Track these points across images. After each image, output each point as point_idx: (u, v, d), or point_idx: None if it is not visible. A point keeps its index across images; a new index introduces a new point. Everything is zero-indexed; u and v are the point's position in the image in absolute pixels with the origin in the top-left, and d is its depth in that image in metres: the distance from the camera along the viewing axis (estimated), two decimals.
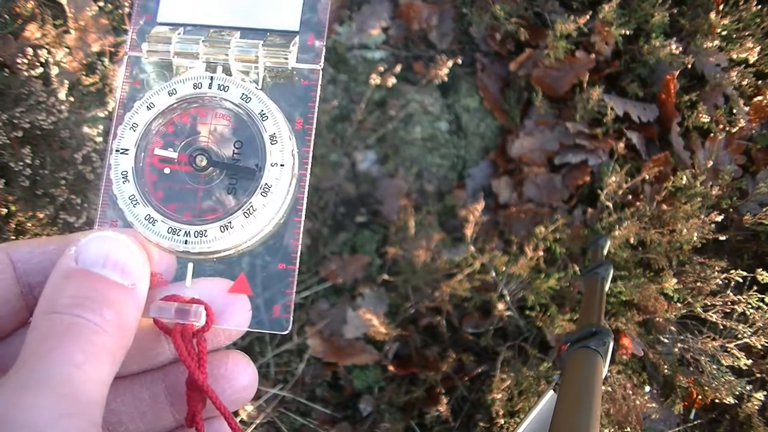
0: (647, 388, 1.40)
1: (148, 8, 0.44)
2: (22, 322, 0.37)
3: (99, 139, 1.37)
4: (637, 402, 1.29)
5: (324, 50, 0.42)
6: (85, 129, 1.30)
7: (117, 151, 0.40)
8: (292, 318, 0.40)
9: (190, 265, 0.39)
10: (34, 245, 0.37)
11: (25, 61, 1.25)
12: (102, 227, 0.40)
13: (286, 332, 0.40)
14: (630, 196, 1.56)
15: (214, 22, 0.43)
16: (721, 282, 1.34)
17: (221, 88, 0.41)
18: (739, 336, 1.30)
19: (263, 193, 0.39)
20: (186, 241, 0.38)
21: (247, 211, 0.39)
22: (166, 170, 0.40)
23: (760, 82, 1.62)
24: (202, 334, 0.37)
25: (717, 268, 1.36)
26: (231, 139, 0.41)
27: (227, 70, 0.41)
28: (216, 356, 0.38)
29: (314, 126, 0.42)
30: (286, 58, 0.41)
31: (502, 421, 1.37)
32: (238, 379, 0.38)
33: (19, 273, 0.36)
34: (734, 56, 1.61)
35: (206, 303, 0.37)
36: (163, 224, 0.39)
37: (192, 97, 0.41)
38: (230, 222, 0.39)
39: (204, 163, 0.40)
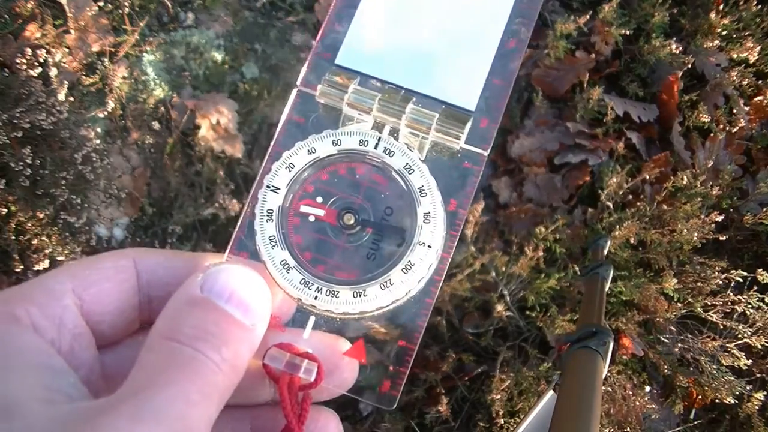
0: (647, 388, 1.40)
1: (329, 47, 0.42)
2: (131, 332, 0.37)
3: (97, 141, 1.37)
4: (637, 402, 1.29)
5: (494, 137, 0.40)
6: (83, 131, 1.30)
7: (268, 187, 0.39)
8: (399, 396, 0.39)
9: (312, 318, 0.38)
10: (162, 258, 0.37)
11: (24, 61, 1.25)
12: (232, 256, 0.39)
13: (391, 408, 0.39)
14: (630, 196, 1.56)
15: (392, 80, 0.41)
16: (721, 282, 1.34)
17: (387, 152, 0.39)
18: (739, 336, 1.30)
19: (404, 270, 0.38)
20: (316, 297, 0.38)
21: (384, 284, 0.38)
22: (311, 218, 0.39)
23: (760, 82, 1.62)
24: (309, 390, 0.36)
25: (717, 268, 1.36)
26: (382, 204, 0.39)
27: (394, 133, 0.40)
28: (311, 410, 0.37)
29: (467, 212, 0.40)
30: (458, 138, 0.39)
31: (502, 421, 1.37)
32: None
33: (141, 283, 0.36)
34: (734, 56, 1.61)
35: (319, 361, 0.36)
36: (297, 273, 0.38)
37: (355, 153, 0.40)
38: (365, 290, 0.38)
39: (351, 221, 0.39)
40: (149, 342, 0.31)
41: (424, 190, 0.39)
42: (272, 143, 0.41)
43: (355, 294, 0.38)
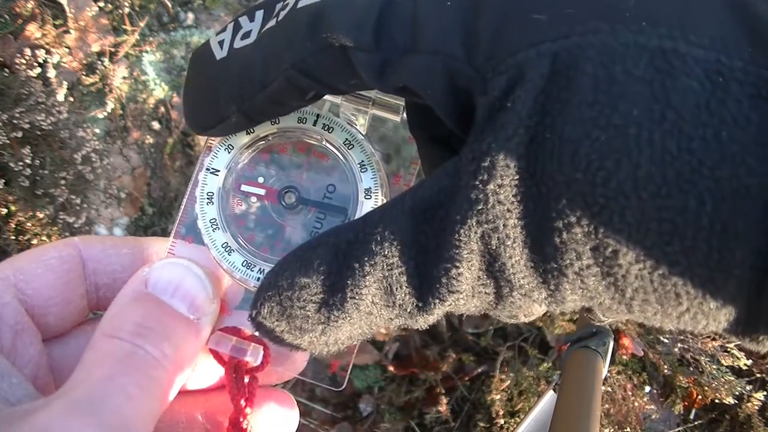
0: (647, 388, 1.40)
1: None
2: (80, 321, 0.36)
3: (97, 141, 1.37)
4: (637, 402, 1.29)
5: None
6: (82, 131, 1.30)
7: (207, 169, 0.38)
8: (348, 377, 0.39)
9: None
10: (108, 245, 0.36)
11: (23, 61, 1.25)
12: (177, 241, 0.38)
13: (340, 389, 0.39)
14: None
15: None
16: None
17: (326, 128, 0.38)
18: None
19: None
20: (259, 278, 0.37)
21: None
22: (252, 199, 0.39)
23: None
24: (256, 374, 0.35)
25: None
26: (324, 182, 0.39)
27: (334, 108, 0.39)
28: (262, 393, 0.37)
29: (412, 184, 0.39)
30: (398, 111, 0.39)
31: (502, 421, 1.37)
32: (280, 418, 0.37)
33: (88, 271, 0.35)
34: None
35: (266, 342, 0.35)
36: (239, 255, 0.37)
37: (293, 130, 0.39)
38: None
39: (293, 200, 0.38)
40: (92, 341, 0.30)
41: (364, 165, 0.38)
42: None
43: None
